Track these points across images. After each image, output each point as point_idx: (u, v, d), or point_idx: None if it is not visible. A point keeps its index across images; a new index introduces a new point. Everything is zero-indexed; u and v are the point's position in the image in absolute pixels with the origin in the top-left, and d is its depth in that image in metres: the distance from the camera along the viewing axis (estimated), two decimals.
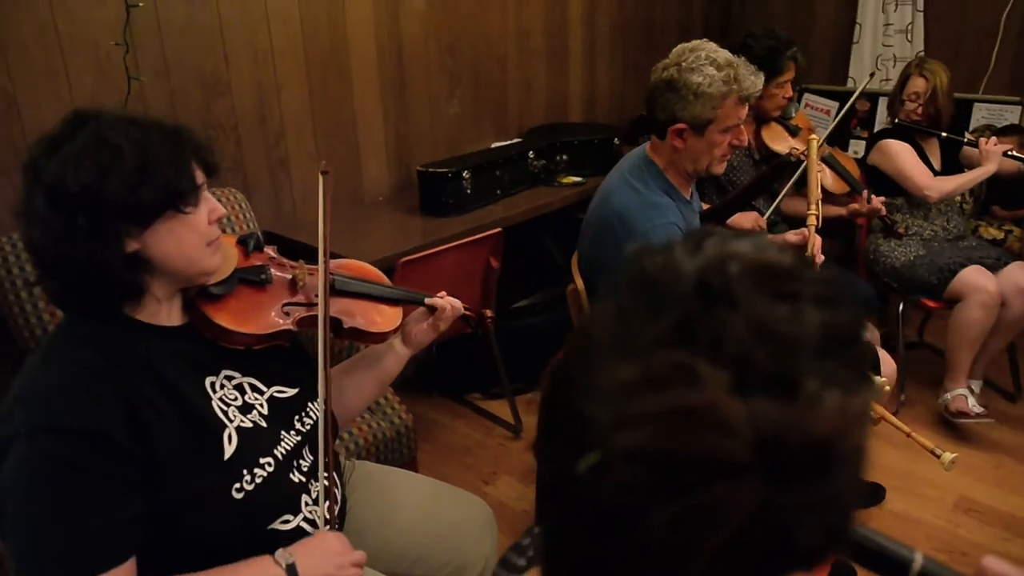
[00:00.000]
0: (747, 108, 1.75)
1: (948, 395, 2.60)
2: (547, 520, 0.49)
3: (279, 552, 1.08)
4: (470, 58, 2.90)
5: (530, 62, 3.15)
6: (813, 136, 1.87)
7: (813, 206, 1.83)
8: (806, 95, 4.16)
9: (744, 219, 2.36)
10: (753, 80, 1.71)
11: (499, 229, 2.20)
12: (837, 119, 2.81)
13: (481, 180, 2.49)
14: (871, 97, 3.85)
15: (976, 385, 2.71)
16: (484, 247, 2.20)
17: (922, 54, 3.83)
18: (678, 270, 0.44)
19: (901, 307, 2.68)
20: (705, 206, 2.22)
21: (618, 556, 0.41)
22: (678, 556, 0.39)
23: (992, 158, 2.56)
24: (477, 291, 2.28)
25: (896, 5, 3.88)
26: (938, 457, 1.53)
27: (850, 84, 4.05)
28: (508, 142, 2.93)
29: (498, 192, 2.58)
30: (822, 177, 2.55)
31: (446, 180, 2.39)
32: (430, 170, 2.43)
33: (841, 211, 2.50)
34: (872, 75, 2.67)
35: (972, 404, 2.55)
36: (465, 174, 2.42)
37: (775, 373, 0.39)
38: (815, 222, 1.82)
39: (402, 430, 1.91)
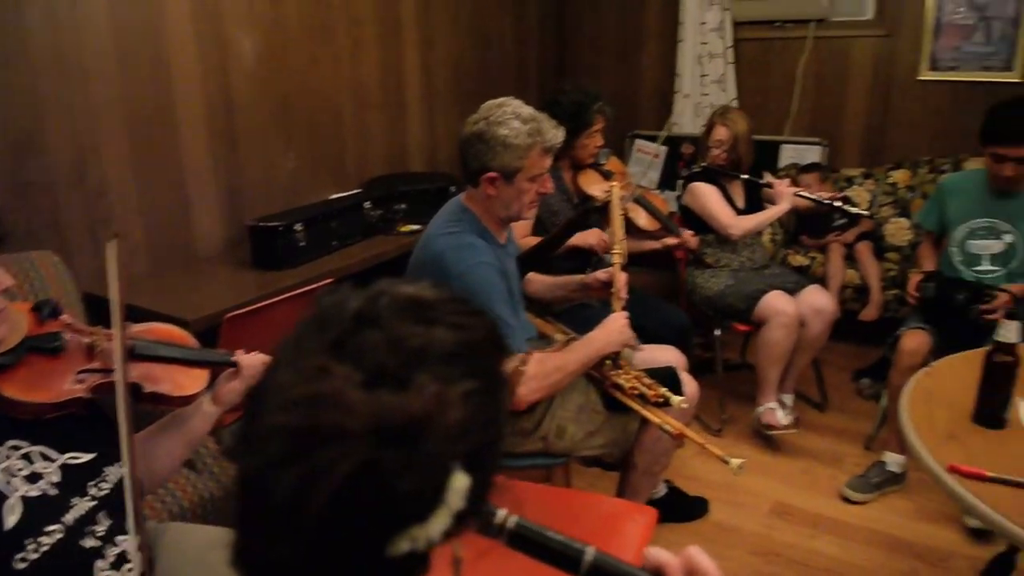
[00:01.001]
0: (551, 158, 1.90)
1: (761, 408, 2.87)
2: (231, 519, 0.58)
3: None
4: (305, 112, 2.95)
5: (367, 114, 3.23)
6: (614, 184, 2.06)
7: (617, 246, 2.01)
8: (637, 140, 4.48)
9: (589, 236, 2.54)
10: (555, 133, 1.87)
11: (330, 280, 2.24)
12: (661, 165, 3.06)
13: (315, 232, 2.53)
14: (696, 141, 4.19)
15: (788, 399, 2.99)
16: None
17: (735, 102, 4.23)
18: (344, 304, 0.58)
19: (718, 332, 2.94)
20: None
21: (257, 520, 0.54)
22: (297, 504, 0.50)
23: (784, 198, 2.86)
24: None
25: (710, 58, 4.27)
26: (727, 463, 1.70)
27: (675, 130, 4.40)
28: (347, 193, 2.99)
29: (334, 243, 2.63)
30: (637, 216, 2.77)
31: (277, 234, 2.42)
32: (260, 224, 2.44)
33: (656, 245, 2.74)
34: (673, 124, 2.90)
35: (780, 416, 2.82)
36: (297, 227, 2.46)
37: (397, 373, 0.53)
38: (619, 260, 1.99)
39: (231, 489, 1.89)
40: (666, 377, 1.96)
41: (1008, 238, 2.53)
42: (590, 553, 0.66)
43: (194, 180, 2.59)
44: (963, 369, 1.66)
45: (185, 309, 2.09)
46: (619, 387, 1.86)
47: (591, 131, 2.55)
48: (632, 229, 2.77)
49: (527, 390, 1.74)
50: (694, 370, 3.28)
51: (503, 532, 0.69)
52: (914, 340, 2.46)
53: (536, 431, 1.90)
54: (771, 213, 2.88)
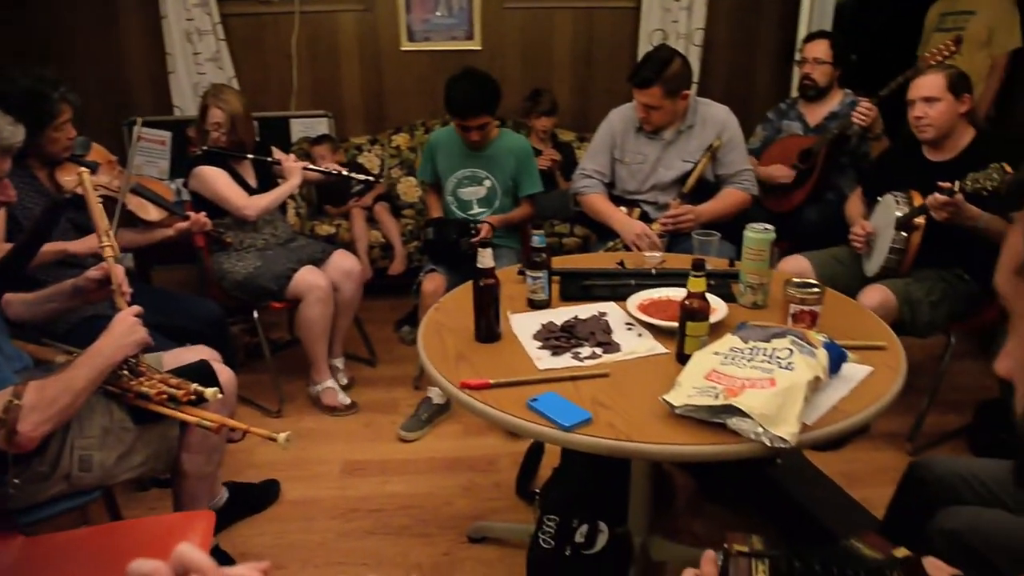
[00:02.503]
0: (11, 161, 1.60)
1: (318, 387, 2.94)
2: None
3: None
4: None
5: None
6: (83, 170, 1.82)
7: (104, 238, 1.78)
8: (140, 128, 4.07)
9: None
10: (12, 131, 1.57)
11: None
12: (168, 152, 2.80)
13: None
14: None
15: (340, 362, 3.11)
16: None
17: (235, 80, 4.12)
18: None
19: (256, 315, 2.88)
20: None
21: None
22: None
23: (294, 173, 2.89)
24: None
25: (199, 34, 4.07)
26: (275, 440, 1.68)
27: (177, 113, 4.13)
28: None
29: None
30: (145, 210, 2.54)
31: None
32: None
33: (169, 232, 2.55)
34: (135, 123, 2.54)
35: (341, 398, 2.94)
36: None
37: None
38: (111, 253, 1.77)
39: None
40: (199, 372, 1.85)
41: (488, 183, 2.96)
42: None
43: None
44: (464, 299, 1.88)
45: None
46: (145, 396, 1.70)
47: (58, 123, 2.21)
48: (141, 223, 2.53)
49: (30, 424, 1.48)
50: (246, 356, 3.23)
51: None
52: (432, 283, 2.75)
53: (55, 472, 1.64)
54: (284, 189, 2.89)
